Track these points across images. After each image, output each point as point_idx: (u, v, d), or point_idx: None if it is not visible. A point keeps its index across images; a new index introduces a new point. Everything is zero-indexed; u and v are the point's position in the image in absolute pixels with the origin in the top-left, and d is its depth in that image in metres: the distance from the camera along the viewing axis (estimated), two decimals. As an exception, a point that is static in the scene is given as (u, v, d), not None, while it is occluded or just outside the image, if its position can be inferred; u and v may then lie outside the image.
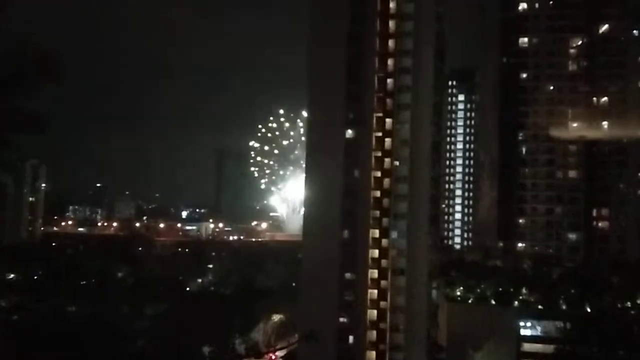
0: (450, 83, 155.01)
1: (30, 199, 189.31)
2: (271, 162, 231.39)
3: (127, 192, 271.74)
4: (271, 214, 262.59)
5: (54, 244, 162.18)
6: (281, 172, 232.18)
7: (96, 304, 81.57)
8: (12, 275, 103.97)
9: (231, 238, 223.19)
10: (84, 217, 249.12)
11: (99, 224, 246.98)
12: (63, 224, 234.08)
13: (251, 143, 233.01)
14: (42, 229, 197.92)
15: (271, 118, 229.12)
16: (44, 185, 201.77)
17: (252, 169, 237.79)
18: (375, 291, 73.22)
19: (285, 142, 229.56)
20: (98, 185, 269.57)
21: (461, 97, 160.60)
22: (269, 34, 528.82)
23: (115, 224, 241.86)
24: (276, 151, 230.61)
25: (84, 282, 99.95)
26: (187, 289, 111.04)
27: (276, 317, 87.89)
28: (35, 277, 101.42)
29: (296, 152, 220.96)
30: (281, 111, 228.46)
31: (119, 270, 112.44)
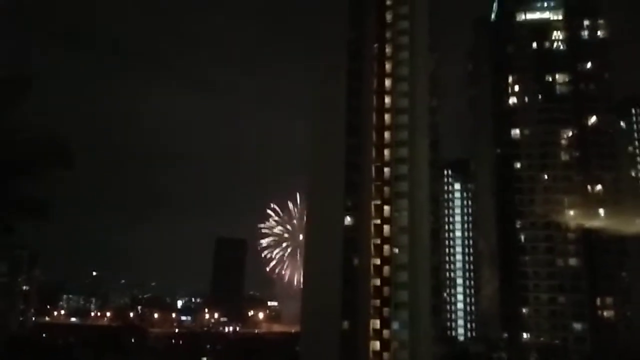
0: (445, 172, 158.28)
1: (25, 287, 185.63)
2: (271, 251, 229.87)
3: (122, 281, 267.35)
4: (269, 303, 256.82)
5: (44, 335, 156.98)
6: (280, 261, 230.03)
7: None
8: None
9: (227, 329, 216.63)
10: (77, 306, 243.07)
11: (93, 313, 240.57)
12: (55, 313, 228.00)
13: (248, 232, 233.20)
14: (34, 319, 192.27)
15: (270, 207, 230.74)
16: (38, 273, 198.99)
17: (251, 256, 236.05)
18: (377, 386, 70.27)
19: (283, 230, 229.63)
20: (94, 273, 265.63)
21: (457, 186, 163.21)
22: (270, 126, 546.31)
23: (109, 314, 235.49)
24: (275, 239, 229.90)
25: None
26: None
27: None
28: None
29: (295, 240, 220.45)
30: (279, 201, 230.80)
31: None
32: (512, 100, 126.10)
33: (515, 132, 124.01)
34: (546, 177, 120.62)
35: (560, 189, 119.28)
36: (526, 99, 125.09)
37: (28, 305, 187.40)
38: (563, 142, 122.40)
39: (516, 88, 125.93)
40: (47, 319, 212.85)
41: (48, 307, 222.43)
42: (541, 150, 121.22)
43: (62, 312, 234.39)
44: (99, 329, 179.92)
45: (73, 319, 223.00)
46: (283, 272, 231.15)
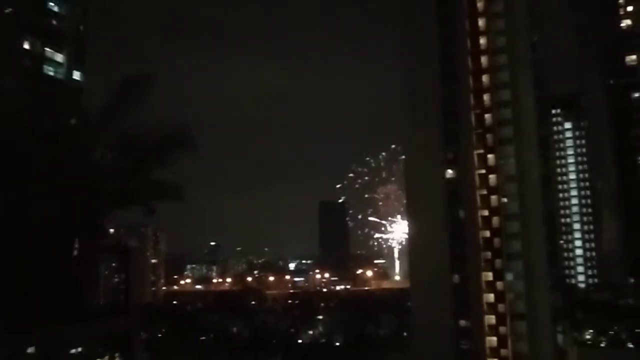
0: (553, 111, 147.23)
1: (153, 261, 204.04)
2: (373, 210, 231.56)
3: (238, 249, 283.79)
4: (375, 261, 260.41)
5: (175, 302, 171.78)
6: (384, 219, 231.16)
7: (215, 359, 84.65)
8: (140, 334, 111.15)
9: (338, 288, 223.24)
10: (200, 274, 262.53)
11: (215, 280, 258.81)
12: (182, 282, 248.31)
13: (345, 196, 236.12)
14: (164, 288, 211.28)
15: (367, 168, 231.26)
16: (164, 247, 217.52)
17: (353, 219, 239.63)
18: (494, 338, 69.03)
19: (383, 188, 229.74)
20: (212, 243, 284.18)
21: (568, 125, 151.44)
22: (366, 81, 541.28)
23: (229, 280, 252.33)
24: (379, 197, 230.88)
25: (204, 338, 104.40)
26: (299, 341, 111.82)
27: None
28: (160, 335, 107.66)
29: (397, 197, 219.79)
30: (379, 157, 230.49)
31: (234, 325, 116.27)
32: (626, 22, 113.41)
33: (631, 58, 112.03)
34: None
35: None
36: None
37: (158, 276, 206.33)
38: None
39: (629, 8, 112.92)
40: (175, 287, 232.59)
41: (175, 277, 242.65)
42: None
43: (188, 280, 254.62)
44: (222, 294, 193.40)
45: (198, 286, 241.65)
46: (389, 231, 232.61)
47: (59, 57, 54.32)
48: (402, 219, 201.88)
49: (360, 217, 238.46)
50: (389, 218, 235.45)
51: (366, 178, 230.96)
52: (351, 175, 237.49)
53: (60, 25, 55.43)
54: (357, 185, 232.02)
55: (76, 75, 55.46)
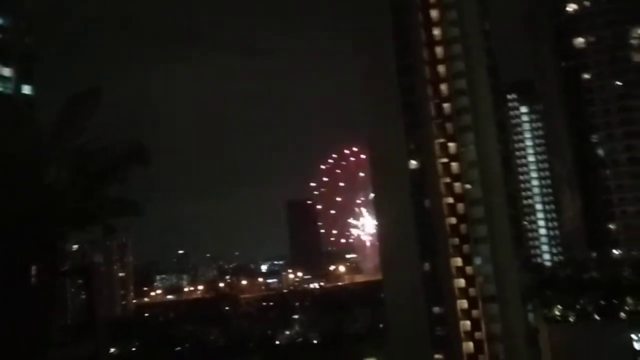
0: (510, 96, 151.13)
1: (120, 274, 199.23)
2: (341, 204, 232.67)
3: (208, 255, 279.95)
4: (347, 256, 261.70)
5: (146, 315, 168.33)
6: (352, 214, 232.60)
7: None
8: (112, 350, 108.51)
9: (311, 286, 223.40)
10: (170, 284, 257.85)
11: (186, 289, 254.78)
12: (152, 293, 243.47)
13: (313, 195, 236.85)
14: (134, 301, 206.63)
15: (333, 161, 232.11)
16: (131, 259, 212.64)
17: (321, 216, 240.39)
18: (468, 322, 70.37)
19: (351, 183, 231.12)
20: (180, 251, 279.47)
21: (524, 109, 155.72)
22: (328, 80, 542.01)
23: (200, 287, 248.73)
24: (342, 194, 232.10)
25: (179, 348, 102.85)
26: (277, 342, 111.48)
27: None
28: (133, 349, 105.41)
29: (364, 191, 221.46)
30: (345, 152, 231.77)
31: (209, 332, 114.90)
32: (571, 6, 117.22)
33: (579, 40, 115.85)
34: (619, 83, 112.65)
35: (636, 94, 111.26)
36: (587, 2, 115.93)
37: (127, 289, 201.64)
38: (633, 42, 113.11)
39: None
40: (145, 299, 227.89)
41: (145, 288, 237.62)
42: (610, 55, 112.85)
43: (159, 291, 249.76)
44: (195, 302, 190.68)
45: (169, 296, 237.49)
46: (358, 224, 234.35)
47: (6, 71, 52.33)
48: (370, 213, 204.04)
49: (328, 215, 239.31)
50: (357, 213, 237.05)
51: (335, 174, 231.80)
52: (317, 174, 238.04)
53: (4, 38, 53.38)
54: (324, 185, 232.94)
55: (26, 89, 53.55)
